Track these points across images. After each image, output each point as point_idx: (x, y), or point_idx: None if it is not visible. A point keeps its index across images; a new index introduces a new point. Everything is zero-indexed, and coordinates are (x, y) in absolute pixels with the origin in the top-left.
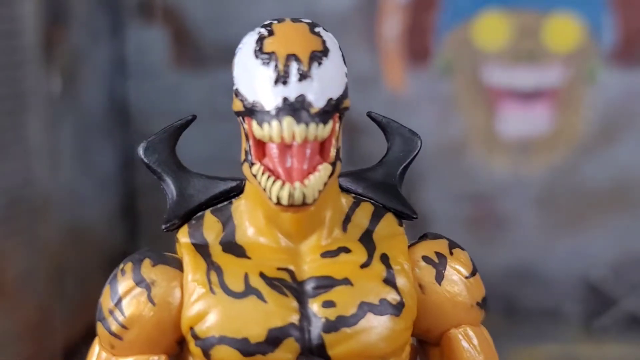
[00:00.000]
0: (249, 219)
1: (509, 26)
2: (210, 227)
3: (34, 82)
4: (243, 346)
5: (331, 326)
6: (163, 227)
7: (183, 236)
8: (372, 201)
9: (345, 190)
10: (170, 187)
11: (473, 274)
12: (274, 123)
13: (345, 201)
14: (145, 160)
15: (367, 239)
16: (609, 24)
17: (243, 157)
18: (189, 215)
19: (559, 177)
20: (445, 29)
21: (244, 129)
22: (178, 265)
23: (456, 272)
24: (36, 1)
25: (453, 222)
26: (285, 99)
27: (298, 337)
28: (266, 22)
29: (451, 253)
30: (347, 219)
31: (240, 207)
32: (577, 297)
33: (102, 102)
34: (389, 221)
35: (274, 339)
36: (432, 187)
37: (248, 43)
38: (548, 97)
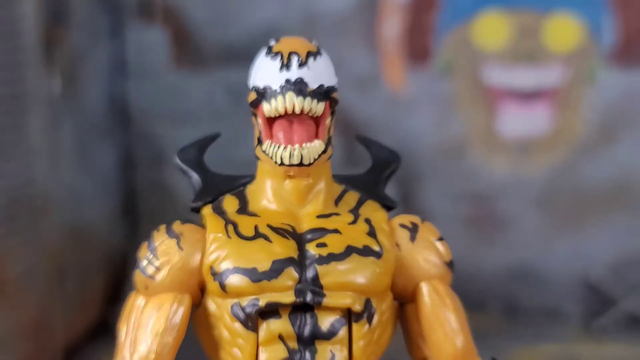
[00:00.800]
0: (258, 194)
1: (509, 26)
2: (229, 203)
3: (34, 82)
4: (251, 274)
5: (323, 260)
6: (192, 204)
7: (206, 209)
8: (358, 192)
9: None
10: (198, 181)
11: (441, 239)
12: (279, 97)
13: (336, 187)
14: (177, 161)
15: (354, 211)
16: (609, 24)
17: (256, 143)
18: (212, 200)
19: (559, 177)
20: (445, 29)
21: (256, 118)
22: (202, 226)
23: (427, 235)
24: (36, 2)
25: (453, 222)
26: (287, 80)
27: (297, 269)
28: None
29: (422, 222)
30: (338, 199)
31: (252, 188)
32: (577, 297)
33: (102, 102)
34: (372, 204)
35: (277, 268)
36: (432, 187)
37: (261, 53)
38: (548, 97)
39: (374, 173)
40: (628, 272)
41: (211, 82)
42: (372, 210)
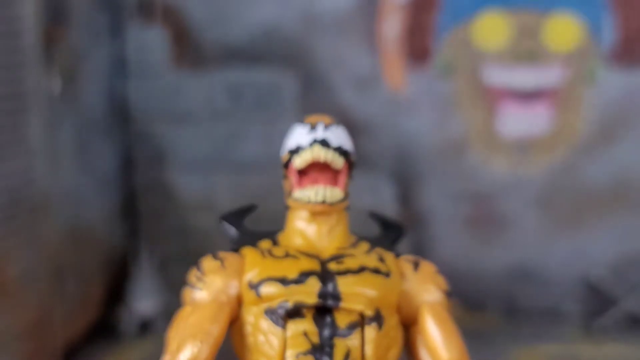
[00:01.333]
0: (288, 235)
1: (509, 26)
2: (263, 243)
3: (34, 82)
4: (282, 280)
5: (342, 273)
6: (233, 247)
7: (245, 248)
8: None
9: None
10: (236, 235)
11: (438, 272)
12: (308, 150)
13: (351, 237)
14: (223, 217)
15: (368, 250)
16: (609, 24)
17: (287, 196)
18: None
19: (559, 177)
20: (445, 29)
21: (287, 177)
22: (242, 256)
23: (427, 269)
24: (36, 2)
25: (453, 222)
26: (315, 139)
27: (319, 279)
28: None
29: (422, 260)
30: (354, 244)
31: (282, 233)
32: (577, 297)
33: (102, 102)
34: (382, 249)
35: (303, 277)
36: (432, 186)
37: (293, 126)
38: (548, 97)
39: (383, 236)
40: (628, 272)
41: (211, 82)
42: (382, 251)
